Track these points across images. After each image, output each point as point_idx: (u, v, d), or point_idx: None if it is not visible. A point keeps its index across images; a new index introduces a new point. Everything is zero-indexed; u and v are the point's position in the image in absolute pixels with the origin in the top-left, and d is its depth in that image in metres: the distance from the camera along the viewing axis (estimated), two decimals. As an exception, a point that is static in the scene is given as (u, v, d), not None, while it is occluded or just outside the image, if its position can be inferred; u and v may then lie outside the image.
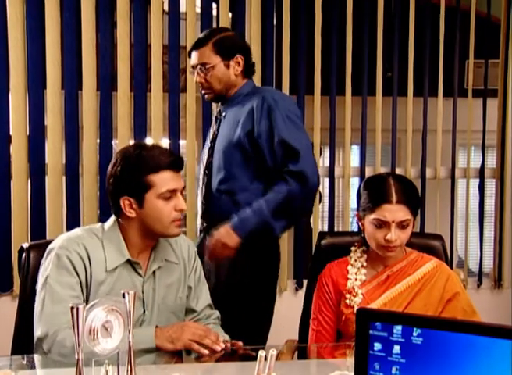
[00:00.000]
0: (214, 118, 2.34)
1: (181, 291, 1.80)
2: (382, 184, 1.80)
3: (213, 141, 2.26)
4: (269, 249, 2.23)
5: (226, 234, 2.05)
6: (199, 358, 1.62)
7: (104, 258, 1.66)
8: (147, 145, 1.72)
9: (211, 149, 2.25)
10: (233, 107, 2.20)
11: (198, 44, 2.18)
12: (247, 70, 2.21)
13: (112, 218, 1.75)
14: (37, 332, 1.57)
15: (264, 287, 2.22)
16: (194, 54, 2.18)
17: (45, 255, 1.67)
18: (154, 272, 1.73)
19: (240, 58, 2.17)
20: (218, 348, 1.61)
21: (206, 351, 1.60)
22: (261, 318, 2.22)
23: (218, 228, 2.11)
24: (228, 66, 2.16)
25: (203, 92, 2.24)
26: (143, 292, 1.70)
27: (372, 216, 1.78)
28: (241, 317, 2.08)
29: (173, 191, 1.66)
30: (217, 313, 1.89)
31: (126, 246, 1.69)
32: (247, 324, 2.07)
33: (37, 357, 1.57)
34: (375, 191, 1.81)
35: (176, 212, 1.67)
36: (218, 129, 2.26)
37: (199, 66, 2.16)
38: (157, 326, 1.64)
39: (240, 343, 1.67)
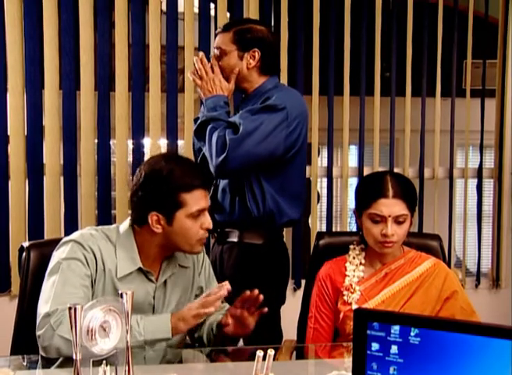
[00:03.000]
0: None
1: (192, 293, 1.79)
2: (379, 180, 1.82)
3: None
4: (277, 254, 2.21)
5: None
6: (210, 355, 1.61)
7: (115, 264, 1.64)
8: (178, 160, 1.68)
9: None
10: (249, 104, 2.13)
11: (223, 29, 2.17)
12: (265, 67, 2.15)
13: (128, 222, 1.71)
14: (45, 308, 1.53)
15: (272, 291, 2.19)
16: (217, 37, 2.17)
17: (59, 245, 1.65)
18: (166, 279, 1.72)
19: (256, 53, 2.11)
20: (225, 292, 1.57)
21: (212, 309, 1.56)
22: (270, 321, 2.19)
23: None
24: (241, 58, 2.12)
25: None
26: (154, 298, 1.69)
27: (369, 211, 1.79)
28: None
29: (202, 210, 1.64)
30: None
31: (139, 254, 1.67)
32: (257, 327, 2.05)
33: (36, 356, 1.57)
34: (371, 187, 1.83)
35: (203, 230, 1.65)
36: None
37: (215, 49, 2.15)
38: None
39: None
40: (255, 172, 2.07)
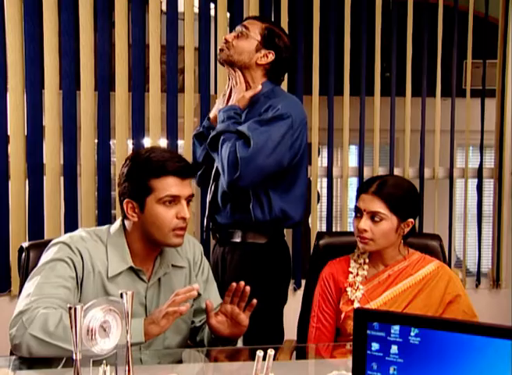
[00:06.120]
0: None
1: None
2: (373, 179, 1.87)
3: None
4: (279, 253, 2.20)
5: None
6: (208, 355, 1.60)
7: (106, 264, 1.63)
8: (158, 149, 1.69)
9: None
10: (252, 110, 2.14)
11: (259, 18, 2.22)
12: (270, 72, 2.16)
13: (119, 221, 1.71)
14: (19, 307, 1.52)
15: (276, 290, 2.19)
16: (249, 20, 2.20)
17: (47, 247, 1.65)
18: (159, 278, 1.70)
19: (271, 54, 2.13)
20: (195, 293, 1.52)
21: (183, 308, 1.48)
22: (273, 320, 2.19)
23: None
24: (258, 50, 2.13)
25: (219, 47, 2.19)
26: (146, 298, 1.67)
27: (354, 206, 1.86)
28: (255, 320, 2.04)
29: (176, 197, 1.61)
30: None
31: (130, 253, 1.66)
32: (260, 327, 2.04)
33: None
34: (362, 184, 1.89)
35: (178, 219, 1.62)
36: None
37: (242, 27, 2.15)
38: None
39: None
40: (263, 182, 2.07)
